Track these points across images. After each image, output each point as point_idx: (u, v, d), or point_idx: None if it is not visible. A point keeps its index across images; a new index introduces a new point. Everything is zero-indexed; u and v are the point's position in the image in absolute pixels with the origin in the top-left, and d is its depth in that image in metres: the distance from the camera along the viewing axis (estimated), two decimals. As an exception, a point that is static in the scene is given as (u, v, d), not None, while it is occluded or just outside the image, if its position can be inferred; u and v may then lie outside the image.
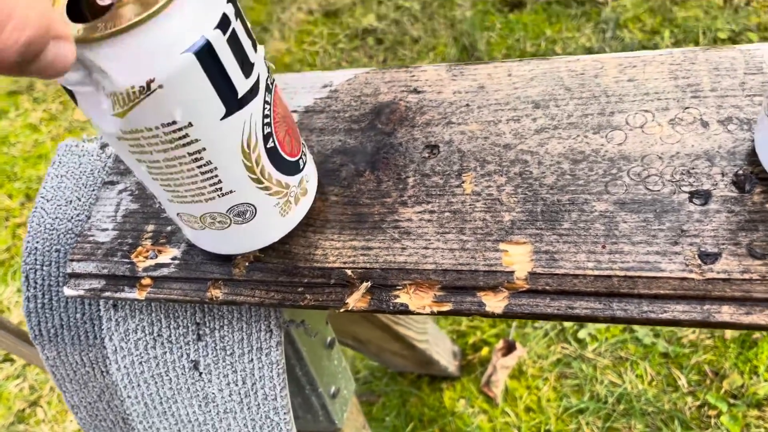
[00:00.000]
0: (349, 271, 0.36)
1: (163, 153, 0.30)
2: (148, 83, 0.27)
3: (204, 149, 0.31)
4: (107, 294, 0.40)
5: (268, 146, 0.33)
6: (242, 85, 0.30)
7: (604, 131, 0.37)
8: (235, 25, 0.29)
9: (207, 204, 0.33)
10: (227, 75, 0.29)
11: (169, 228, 0.41)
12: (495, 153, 0.38)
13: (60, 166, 0.49)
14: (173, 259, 0.40)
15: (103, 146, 0.48)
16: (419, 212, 0.37)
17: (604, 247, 0.33)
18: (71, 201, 0.47)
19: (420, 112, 0.42)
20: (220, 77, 0.29)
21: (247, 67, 0.30)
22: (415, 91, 0.43)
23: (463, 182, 0.38)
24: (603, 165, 0.36)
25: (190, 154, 0.31)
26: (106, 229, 0.42)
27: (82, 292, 0.40)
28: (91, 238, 0.42)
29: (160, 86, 0.28)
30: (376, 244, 0.37)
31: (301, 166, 0.36)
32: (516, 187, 0.37)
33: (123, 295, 0.40)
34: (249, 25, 0.31)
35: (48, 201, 0.47)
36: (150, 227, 0.41)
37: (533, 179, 0.37)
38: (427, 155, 0.39)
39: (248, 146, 0.32)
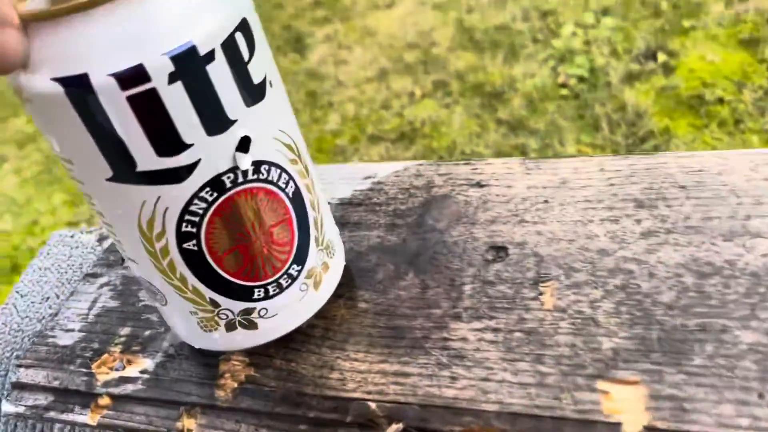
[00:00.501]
0: (373, 405, 0.25)
1: None
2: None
3: (91, 197, 0.24)
4: (51, 415, 0.30)
5: (184, 246, 0.24)
6: (150, 160, 0.21)
7: (739, 239, 0.27)
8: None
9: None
10: (118, 138, 0.21)
11: (147, 332, 0.31)
12: (586, 259, 0.28)
13: (46, 258, 0.41)
14: (143, 372, 0.30)
15: (102, 239, 0.40)
16: (478, 330, 0.27)
17: (761, 396, 0.22)
18: (48, 298, 0.38)
19: (483, 208, 0.32)
20: (105, 134, 0.21)
21: (170, 140, 0.21)
22: (478, 185, 0.34)
23: (541, 294, 0.27)
24: (744, 281, 0.25)
25: (86, 194, 0.24)
26: (72, 330, 0.33)
27: (21, 409, 0.30)
28: (50, 340, 0.33)
29: (27, 100, 0.21)
30: (416, 369, 0.26)
31: (258, 295, 0.26)
32: (618, 304, 0.26)
33: (70, 417, 0.29)
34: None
35: (22, 297, 0.39)
36: (125, 330, 0.32)
37: (643, 295, 0.26)
38: (491, 258, 0.30)
39: (149, 229, 0.23)
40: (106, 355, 0.31)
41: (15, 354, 0.37)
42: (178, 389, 0.28)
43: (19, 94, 0.21)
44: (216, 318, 0.26)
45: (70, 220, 1.62)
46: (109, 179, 0.22)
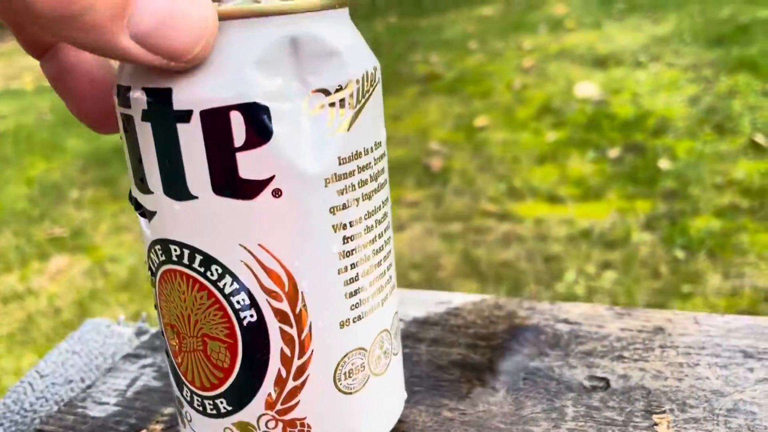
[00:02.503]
0: None
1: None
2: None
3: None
4: (66, 489, 0.25)
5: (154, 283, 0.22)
6: (131, 182, 0.21)
7: None
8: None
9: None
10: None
11: (194, 415, 0.28)
12: (700, 398, 0.26)
13: (76, 343, 0.37)
14: (188, 452, 0.25)
15: (140, 333, 0.38)
16: (588, 452, 0.24)
17: None
18: (72, 381, 0.34)
19: (577, 342, 0.30)
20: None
21: (142, 177, 0.20)
22: (566, 321, 0.32)
23: (656, 424, 0.25)
24: None
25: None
26: (106, 404, 0.29)
27: (29, 481, 0.26)
28: (79, 410, 0.29)
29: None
30: (518, 483, 0.22)
31: (186, 395, 0.22)
32: (747, 442, 0.23)
33: (89, 494, 0.25)
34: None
35: (42, 377, 0.35)
36: (168, 410, 0.28)
37: (773, 437, 0.23)
38: (592, 386, 0.27)
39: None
40: (144, 431, 0.27)
41: (19, 436, 0.32)
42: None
43: None
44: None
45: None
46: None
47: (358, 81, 0.19)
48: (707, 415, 0.25)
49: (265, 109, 0.18)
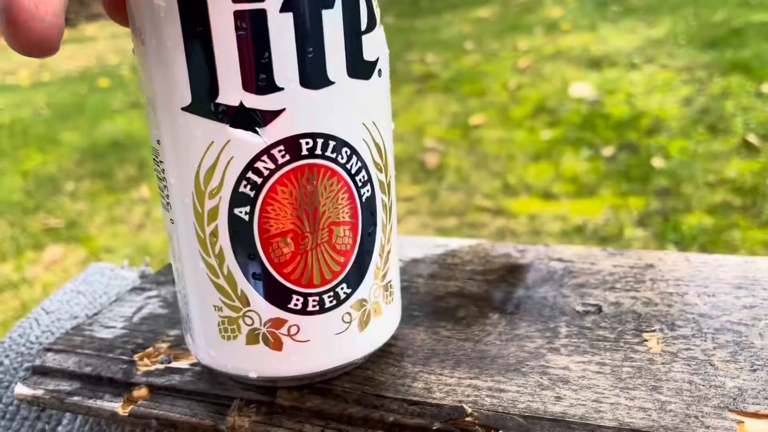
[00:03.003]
0: (468, 408, 0.22)
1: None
2: None
3: (160, 131, 0.21)
4: (73, 400, 0.26)
5: (235, 212, 0.21)
6: (233, 92, 0.19)
7: None
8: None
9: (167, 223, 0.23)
10: (209, 55, 0.19)
11: (199, 337, 0.28)
12: (688, 319, 0.27)
13: (81, 283, 0.38)
14: (194, 365, 0.26)
15: (144, 277, 0.38)
16: (581, 362, 0.24)
17: None
18: (77, 317, 0.35)
19: (570, 276, 0.31)
20: (198, 49, 0.19)
21: (260, 75, 0.19)
22: (560, 260, 0.33)
23: (645, 341, 0.26)
24: None
25: (155, 127, 0.22)
26: (113, 327, 0.30)
27: (39, 393, 0.26)
28: (86, 333, 0.30)
29: None
30: (513, 387, 0.23)
31: (295, 305, 0.22)
32: (733, 354, 0.24)
33: (96, 404, 0.25)
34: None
35: (47, 313, 0.36)
36: (174, 332, 0.29)
37: (758, 349, 0.24)
38: (584, 311, 0.28)
39: (205, 181, 0.21)
40: (150, 349, 0.28)
41: (25, 366, 0.33)
42: (233, 384, 0.25)
43: None
44: (240, 321, 0.22)
45: None
46: (185, 108, 0.20)
47: None
48: (695, 333, 0.26)
49: None
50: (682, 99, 2.27)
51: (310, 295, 0.22)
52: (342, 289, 0.22)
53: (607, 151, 2.07)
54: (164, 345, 0.28)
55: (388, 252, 0.24)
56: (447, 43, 3.12)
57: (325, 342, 0.23)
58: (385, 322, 0.24)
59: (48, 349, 0.28)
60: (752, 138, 1.99)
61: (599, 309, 0.28)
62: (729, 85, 2.28)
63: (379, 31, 0.22)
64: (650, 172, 1.93)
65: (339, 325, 0.23)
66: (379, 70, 0.22)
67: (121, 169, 2.16)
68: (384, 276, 0.24)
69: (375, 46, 0.21)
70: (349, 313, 0.23)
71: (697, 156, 1.97)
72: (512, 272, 0.32)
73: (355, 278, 0.23)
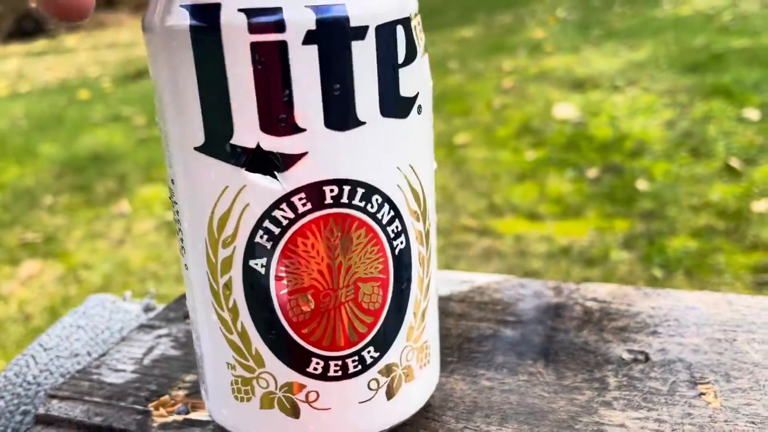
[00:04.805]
0: (528, 474, 0.20)
1: None
2: None
3: (174, 171, 0.19)
4: (84, 455, 0.23)
5: (250, 264, 0.19)
6: (249, 132, 0.17)
7: None
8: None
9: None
10: (224, 91, 0.17)
11: (218, 383, 0.26)
12: (742, 369, 0.25)
13: (80, 317, 0.36)
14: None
15: (148, 309, 0.36)
16: (638, 419, 0.23)
17: None
18: (77, 355, 0.33)
19: (608, 318, 0.30)
20: (212, 84, 0.17)
21: (280, 114, 0.17)
22: (595, 300, 0.32)
23: (702, 394, 0.24)
24: None
25: (170, 167, 0.21)
26: (123, 371, 0.28)
27: (42, 446, 0.24)
28: (94, 377, 0.27)
29: (149, 30, 0.19)
30: (570, 447, 0.22)
31: (315, 369, 0.20)
32: (798, 410, 0.23)
33: (110, 460, 0.23)
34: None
35: (45, 350, 0.33)
36: (190, 377, 0.27)
37: (824, 405, 0.23)
38: (631, 359, 0.27)
39: (219, 228, 0.19)
40: (166, 397, 0.25)
41: (20, 410, 0.30)
42: (261, 439, 0.23)
43: (148, 28, 0.19)
44: (254, 382, 0.20)
45: None
46: (198, 148, 0.18)
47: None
48: (753, 385, 0.24)
49: (413, 24, 0.19)
50: (665, 122, 2.29)
51: (332, 358, 0.20)
52: (369, 352, 0.20)
53: (592, 172, 2.08)
54: (181, 393, 0.26)
55: (425, 309, 0.21)
56: (431, 63, 3.13)
57: (348, 411, 0.20)
58: (418, 387, 0.22)
59: (53, 396, 0.26)
60: (734, 162, 2.01)
61: (646, 357, 0.27)
62: (711, 109, 2.32)
63: (420, 62, 0.19)
64: (634, 194, 1.94)
65: (364, 392, 0.20)
66: (419, 107, 0.20)
67: (101, 183, 2.12)
68: (419, 336, 0.21)
69: (414, 80, 0.19)
70: (376, 380, 0.20)
71: (680, 179, 1.99)
72: (548, 312, 0.30)
73: (384, 340, 0.20)
